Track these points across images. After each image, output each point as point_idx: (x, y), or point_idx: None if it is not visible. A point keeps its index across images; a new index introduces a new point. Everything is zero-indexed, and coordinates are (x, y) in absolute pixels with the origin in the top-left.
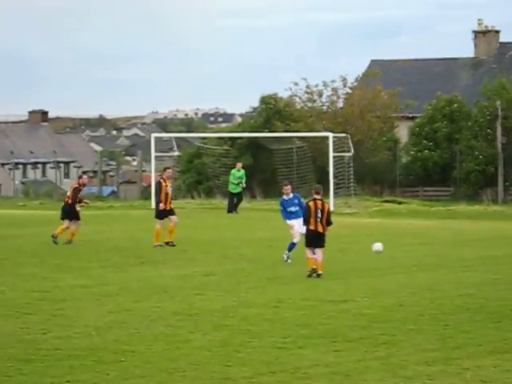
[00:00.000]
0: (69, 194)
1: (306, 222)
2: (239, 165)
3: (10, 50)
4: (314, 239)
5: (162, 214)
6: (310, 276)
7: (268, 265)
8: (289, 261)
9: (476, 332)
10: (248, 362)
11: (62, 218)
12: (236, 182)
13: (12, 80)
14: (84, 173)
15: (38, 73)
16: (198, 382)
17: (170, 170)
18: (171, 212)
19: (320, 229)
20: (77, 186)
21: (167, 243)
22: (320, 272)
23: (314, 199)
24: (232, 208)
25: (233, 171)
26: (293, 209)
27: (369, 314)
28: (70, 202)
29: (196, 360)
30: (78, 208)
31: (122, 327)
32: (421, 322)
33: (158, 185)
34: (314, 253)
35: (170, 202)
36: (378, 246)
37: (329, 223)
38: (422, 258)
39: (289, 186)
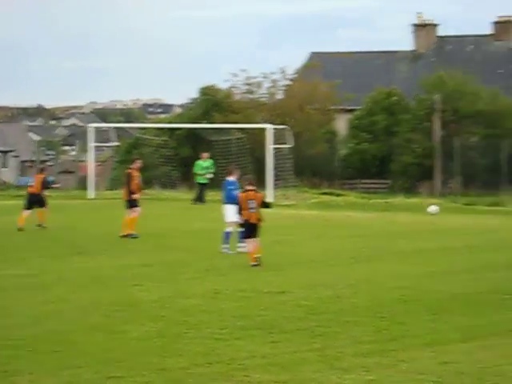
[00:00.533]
0: (34, 183)
1: (240, 214)
2: (205, 155)
3: None
4: (250, 230)
5: (135, 204)
6: (256, 265)
7: (206, 256)
8: (230, 252)
9: (412, 324)
10: (184, 353)
11: (28, 208)
12: (203, 173)
13: None
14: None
15: None
16: (134, 373)
17: (139, 161)
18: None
19: (253, 219)
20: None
21: (126, 235)
22: (256, 256)
23: (246, 190)
24: (201, 199)
25: (198, 162)
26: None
27: (306, 305)
28: (36, 191)
29: (132, 350)
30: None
31: (58, 317)
32: (357, 313)
33: (129, 176)
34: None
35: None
36: (433, 208)
37: (267, 206)
38: (360, 250)
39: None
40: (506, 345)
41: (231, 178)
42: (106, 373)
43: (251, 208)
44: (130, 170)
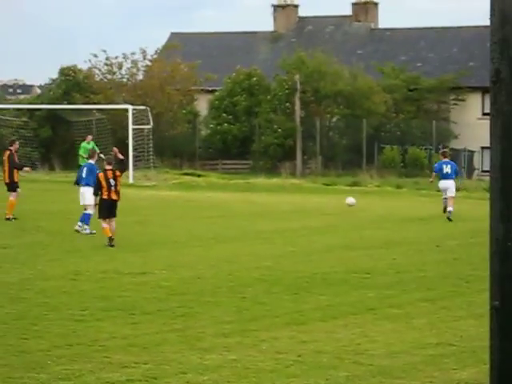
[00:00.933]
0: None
1: (98, 193)
2: (89, 137)
3: None
4: (109, 208)
5: (17, 186)
6: (112, 246)
7: (66, 237)
8: (94, 231)
9: (273, 304)
10: (45, 335)
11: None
12: (85, 156)
13: None
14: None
15: None
16: None
17: (17, 143)
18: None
19: (114, 196)
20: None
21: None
22: (111, 235)
23: (105, 170)
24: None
25: (83, 144)
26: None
27: (167, 286)
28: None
29: None
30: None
31: None
32: (218, 294)
33: (10, 157)
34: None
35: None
36: (350, 200)
37: (123, 166)
38: (221, 230)
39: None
40: (365, 323)
41: (91, 161)
42: None
43: (111, 186)
44: (10, 152)
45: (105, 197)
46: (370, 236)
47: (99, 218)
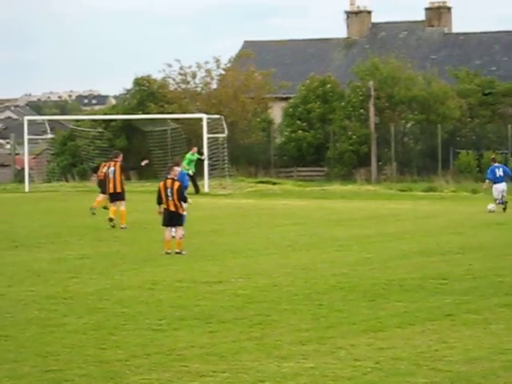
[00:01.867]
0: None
1: (158, 203)
2: (194, 149)
3: None
4: (169, 218)
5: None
6: (168, 253)
7: (143, 247)
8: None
9: (349, 311)
10: (123, 345)
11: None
12: (187, 167)
13: None
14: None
15: None
16: (72, 366)
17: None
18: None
19: (172, 207)
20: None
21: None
22: (178, 250)
23: (166, 178)
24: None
25: (188, 155)
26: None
27: (243, 294)
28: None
29: (70, 343)
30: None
31: None
32: (295, 301)
33: (121, 168)
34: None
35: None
36: (491, 207)
37: (180, 199)
38: (297, 238)
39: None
40: (443, 329)
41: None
42: (44, 366)
43: (168, 196)
44: (117, 163)
45: (164, 206)
46: (446, 241)
47: (162, 225)
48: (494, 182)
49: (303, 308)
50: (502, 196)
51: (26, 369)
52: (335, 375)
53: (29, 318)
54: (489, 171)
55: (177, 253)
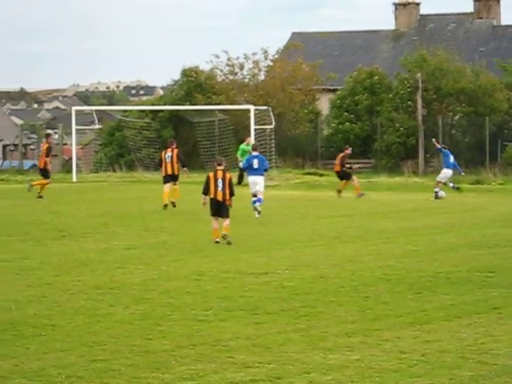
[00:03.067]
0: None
1: (206, 192)
2: (248, 139)
3: None
4: (217, 208)
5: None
6: (217, 243)
7: (189, 238)
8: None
9: (396, 303)
10: (169, 335)
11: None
12: (241, 159)
13: None
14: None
15: None
16: (118, 356)
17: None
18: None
19: (219, 197)
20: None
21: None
22: (224, 233)
23: (216, 170)
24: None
25: (242, 146)
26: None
27: (289, 286)
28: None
29: (116, 333)
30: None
31: (42, 301)
32: (341, 293)
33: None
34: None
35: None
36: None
37: (231, 194)
38: (343, 229)
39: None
40: (489, 323)
41: (256, 153)
42: (91, 356)
43: (218, 187)
44: (174, 150)
45: (211, 196)
46: (493, 234)
47: (211, 215)
48: None
49: (349, 300)
50: None
51: (72, 358)
52: (381, 367)
53: (75, 307)
54: None
55: (223, 236)
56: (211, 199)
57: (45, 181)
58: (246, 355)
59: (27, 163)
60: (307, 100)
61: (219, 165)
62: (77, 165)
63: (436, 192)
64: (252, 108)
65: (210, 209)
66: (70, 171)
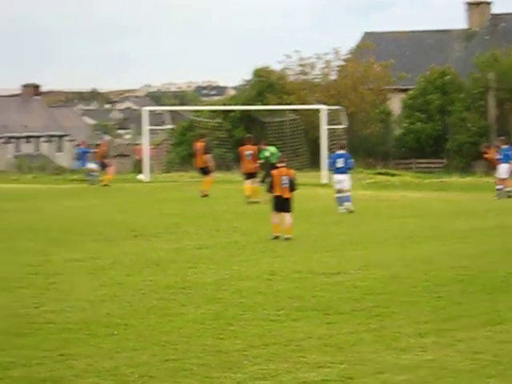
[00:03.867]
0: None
1: (271, 189)
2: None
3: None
4: (281, 205)
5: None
6: (275, 238)
7: (261, 237)
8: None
9: (469, 303)
10: (240, 335)
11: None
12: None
13: (4, 54)
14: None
15: (30, 46)
16: (190, 355)
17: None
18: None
19: (286, 194)
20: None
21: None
22: (288, 236)
23: (279, 167)
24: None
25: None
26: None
27: (362, 286)
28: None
29: (188, 333)
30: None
31: (114, 301)
32: (414, 293)
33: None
34: (279, 218)
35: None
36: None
37: (292, 189)
38: (415, 229)
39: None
40: None
41: (341, 151)
42: (163, 355)
43: (284, 183)
44: (254, 147)
45: (277, 194)
46: None
47: (273, 210)
48: None
49: (422, 300)
50: None
51: (144, 357)
52: (454, 368)
53: (147, 307)
54: None
55: (286, 238)
56: (276, 196)
57: (209, 178)
58: (317, 355)
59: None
60: (378, 100)
61: (281, 162)
62: (149, 165)
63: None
64: (324, 108)
65: (274, 205)
66: (141, 171)
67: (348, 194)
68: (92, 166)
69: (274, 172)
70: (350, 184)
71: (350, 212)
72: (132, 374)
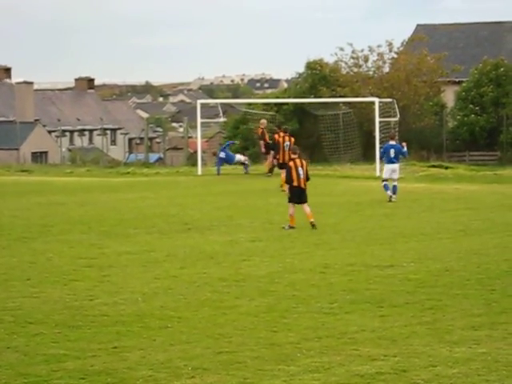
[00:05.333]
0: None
1: (290, 181)
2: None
3: (57, 18)
4: (299, 195)
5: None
6: (292, 227)
7: (314, 230)
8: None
9: None
10: (294, 328)
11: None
12: None
13: (58, 47)
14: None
15: (84, 40)
16: (244, 348)
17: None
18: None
19: (302, 185)
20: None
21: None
22: (312, 220)
23: (293, 159)
24: None
25: None
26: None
27: (415, 279)
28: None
29: (242, 326)
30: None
31: (168, 293)
32: (467, 286)
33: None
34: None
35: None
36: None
37: (307, 179)
38: (469, 222)
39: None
40: None
41: (392, 142)
42: (216, 348)
43: (300, 174)
44: (292, 139)
45: (295, 184)
46: None
47: (289, 202)
48: None
49: (475, 293)
50: None
51: (198, 350)
52: (507, 361)
53: (201, 299)
54: None
55: (312, 223)
56: (295, 187)
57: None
58: (371, 348)
59: (153, 156)
60: (432, 92)
61: (294, 153)
62: (202, 158)
63: None
64: (376, 100)
65: (291, 196)
66: (195, 164)
67: (395, 183)
68: (241, 157)
69: (291, 164)
70: (398, 174)
71: (390, 198)
72: (185, 366)
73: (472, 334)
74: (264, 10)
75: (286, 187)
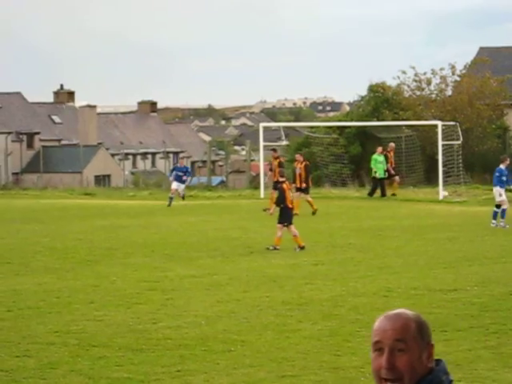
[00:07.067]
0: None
1: (283, 203)
2: (379, 149)
3: (119, 40)
4: (290, 217)
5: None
6: (274, 249)
7: (377, 254)
8: (507, 226)
9: None
10: (358, 352)
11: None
12: (375, 169)
13: (121, 71)
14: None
15: (147, 64)
16: (307, 372)
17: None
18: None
19: (291, 205)
20: None
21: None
22: (302, 245)
23: (283, 182)
24: (373, 193)
25: (374, 156)
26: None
27: (479, 302)
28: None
29: (305, 349)
30: None
31: (231, 317)
32: None
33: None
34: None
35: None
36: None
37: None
38: None
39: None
40: None
41: (502, 166)
42: (280, 372)
43: (290, 196)
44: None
45: (290, 206)
46: None
47: (279, 223)
48: None
49: None
50: None
51: (261, 374)
52: None
53: (264, 323)
54: None
55: (302, 247)
56: (289, 208)
57: None
58: None
59: (215, 179)
60: (495, 115)
61: (282, 176)
62: (264, 181)
63: None
64: (439, 123)
65: (284, 217)
66: (257, 187)
67: (505, 207)
68: None
69: (284, 186)
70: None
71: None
72: None
73: None
74: (326, 33)
75: (273, 208)
